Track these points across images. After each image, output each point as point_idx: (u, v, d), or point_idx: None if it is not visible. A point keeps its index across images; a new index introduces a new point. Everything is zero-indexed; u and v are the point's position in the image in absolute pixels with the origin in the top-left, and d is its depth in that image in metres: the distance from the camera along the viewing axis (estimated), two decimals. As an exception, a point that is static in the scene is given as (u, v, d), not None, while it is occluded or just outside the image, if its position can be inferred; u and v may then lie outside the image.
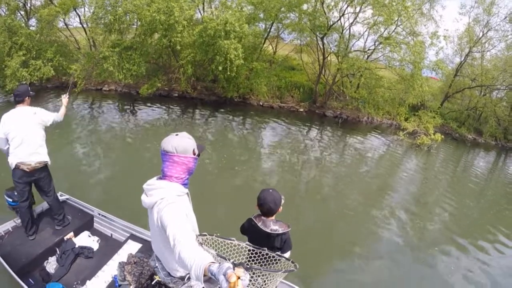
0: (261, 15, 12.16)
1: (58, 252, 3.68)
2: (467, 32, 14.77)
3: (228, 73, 10.32)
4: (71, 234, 3.94)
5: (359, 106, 13.75)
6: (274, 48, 16.38)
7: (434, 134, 11.79)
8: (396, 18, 10.88)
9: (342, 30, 12.91)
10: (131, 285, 2.22)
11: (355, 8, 11.68)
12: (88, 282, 3.24)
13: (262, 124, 11.80)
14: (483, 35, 14.39)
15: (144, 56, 11.50)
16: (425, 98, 14.21)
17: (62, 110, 3.81)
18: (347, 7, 11.47)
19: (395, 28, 12.26)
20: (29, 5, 14.09)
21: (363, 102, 13.85)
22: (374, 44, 12.98)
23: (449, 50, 16.49)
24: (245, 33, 10.18)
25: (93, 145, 8.26)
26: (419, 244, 5.47)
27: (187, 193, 1.86)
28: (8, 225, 3.84)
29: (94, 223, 4.31)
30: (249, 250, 1.61)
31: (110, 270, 3.38)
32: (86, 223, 4.19)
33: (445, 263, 5.02)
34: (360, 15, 12.32)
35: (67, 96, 3.91)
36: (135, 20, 10.99)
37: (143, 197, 1.76)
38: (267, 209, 2.37)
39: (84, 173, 6.54)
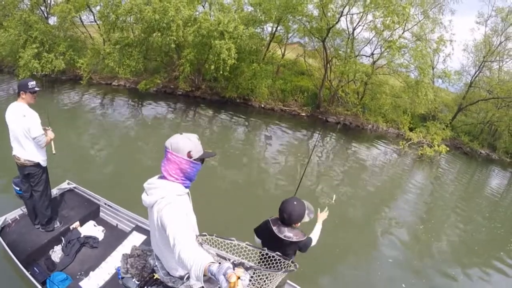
0: (262, 17, 12.75)
1: (63, 241, 3.82)
2: (484, 41, 14.77)
3: (221, 72, 10.95)
4: (77, 223, 4.09)
5: (357, 112, 13.95)
6: (282, 52, 16.91)
7: (438, 146, 11.86)
8: (397, 19, 11.03)
9: (349, 35, 13.31)
10: (133, 278, 2.29)
11: (353, 7, 11.96)
12: (91, 273, 3.35)
13: (263, 127, 12.21)
14: (500, 43, 14.27)
15: (143, 53, 12.49)
16: (432, 107, 14.18)
17: (47, 140, 3.62)
18: (344, 7, 11.77)
19: (403, 33, 12.50)
20: (49, 1, 15.44)
21: (364, 108, 14.08)
22: (380, 49, 13.25)
23: (464, 60, 16.44)
24: (240, 34, 10.77)
25: (101, 136, 9.04)
26: (420, 264, 5.34)
27: (188, 193, 1.92)
28: (15, 214, 3.98)
29: (100, 213, 4.46)
30: (249, 250, 1.64)
31: (114, 261, 3.49)
32: (92, 212, 4.34)
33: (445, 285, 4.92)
34: (364, 18, 12.64)
35: (50, 129, 3.73)
36: (138, 19, 11.90)
37: (144, 196, 1.83)
38: (288, 222, 2.41)
39: (92, 163, 7.09)
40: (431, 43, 12.66)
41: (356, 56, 13.44)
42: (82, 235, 3.96)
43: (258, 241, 2.67)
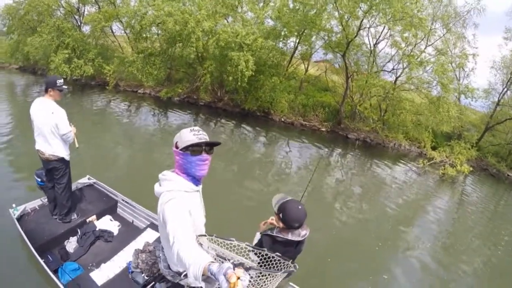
0: (283, 32, 13.14)
1: (79, 233, 4.02)
2: (512, 57, 14.38)
3: (239, 83, 11.41)
4: (94, 217, 4.30)
5: (377, 128, 13.83)
6: (306, 67, 17.22)
7: (461, 165, 11.55)
8: (415, 32, 11.10)
9: (371, 50, 13.45)
10: (142, 273, 2.35)
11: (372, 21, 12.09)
12: (103, 265, 3.53)
13: (283, 141, 12.34)
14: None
15: (165, 63, 13.31)
16: (457, 126, 13.86)
17: (74, 137, 3.87)
18: (362, 20, 11.90)
19: (425, 48, 12.52)
20: (82, 10, 16.61)
21: (385, 125, 13.94)
22: (402, 65, 13.24)
23: (492, 78, 16.02)
24: (259, 47, 11.22)
25: (124, 138, 9.71)
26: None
27: (198, 191, 1.95)
28: (35, 203, 4.25)
29: (118, 209, 4.67)
30: (248, 251, 1.67)
31: (125, 255, 3.64)
32: (109, 208, 4.56)
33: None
34: (386, 32, 12.74)
35: (73, 125, 3.89)
36: (161, 30, 12.70)
37: (156, 186, 1.90)
38: (300, 224, 2.37)
39: (113, 162, 7.57)
40: (454, 58, 12.51)
41: (376, 71, 13.51)
42: (97, 229, 4.14)
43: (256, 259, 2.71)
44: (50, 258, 3.56)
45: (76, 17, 16.95)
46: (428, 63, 11.80)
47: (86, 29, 16.70)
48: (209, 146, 1.85)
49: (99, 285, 3.28)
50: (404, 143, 14.22)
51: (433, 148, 13.15)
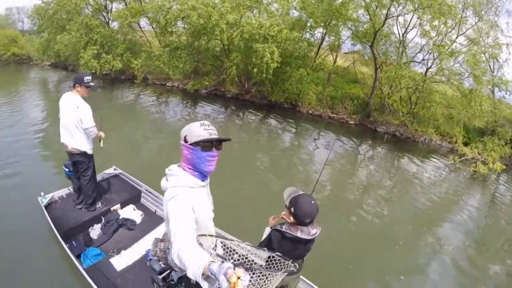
0: (309, 23, 12.99)
1: (103, 220, 4.20)
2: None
3: (264, 75, 11.37)
4: (118, 205, 4.49)
5: (406, 122, 13.35)
6: (334, 58, 16.92)
7: (493, 163, 10.95)
8: (444, 20, 10.59)
9: (400, 40, 13.00)
10: (160, 261, 2.40)
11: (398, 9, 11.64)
12: (123, 251, 3.72)
13: (310, 134, 12.22)
14: None
15: (190, 56, 13.52)
16: (491, 121, 13.12)
17: (99, 135, 3.99)
18: (388, 9, 11.43)
19: (456, 37, 11.96)
20: (110, 7, 17.15)
21: (414, 118, 13.46)
22: (432, 56, 12.67)
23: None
24: (284, 38, 11.10)
25: (151, 130, 9.97)
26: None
27: (204, 186, 1.93)
28: (63, 192, 4.51)
29: (141, 198, 4.83)
30: (249, 250, 1.66)
31: (146, 244, 3.82)
32: (133, 197, 4.73)
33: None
34: (414, 21, 12.32)
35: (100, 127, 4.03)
36: (186, 23, 12.86)
37: (163, 180, 1.89)
38: (311, 220, 2.30)
39: (139, 153, 7.81)
40: (486, 48, 11.86)
41: (405, 62, 13.04)
42: (121, 217, 4.31)
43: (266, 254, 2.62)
44: (74, 244, 3.73)
45: (104, 14, 17.52)
46: (459, 53, 11.25)
47: (114, 25, 17.29)
48: (219, 142, 1.82)
49: (118, 270, 3.42)
50: (435, 138, 13.66)
51: (465, 144, 12.44)
